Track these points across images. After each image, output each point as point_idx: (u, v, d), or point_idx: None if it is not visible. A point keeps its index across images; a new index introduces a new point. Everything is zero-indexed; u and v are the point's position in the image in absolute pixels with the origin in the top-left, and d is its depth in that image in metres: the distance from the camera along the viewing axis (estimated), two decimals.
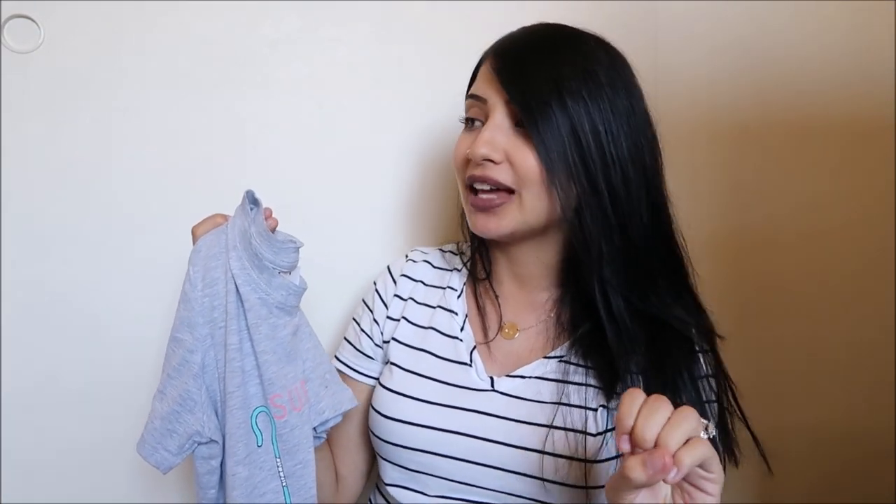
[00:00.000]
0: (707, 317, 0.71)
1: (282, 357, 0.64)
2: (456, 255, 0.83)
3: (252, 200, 0.64)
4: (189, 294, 0.64)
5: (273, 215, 0.66)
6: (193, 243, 0.66)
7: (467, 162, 0.69)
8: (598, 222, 0.65)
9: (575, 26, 0.71)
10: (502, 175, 0.66)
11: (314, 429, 0.67)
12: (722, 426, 0.68)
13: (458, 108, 0.93)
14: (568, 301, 0.72)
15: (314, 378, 0.67)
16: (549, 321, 0.72)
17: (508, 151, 0.66)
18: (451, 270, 0.81)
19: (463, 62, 0.80)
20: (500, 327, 0.74)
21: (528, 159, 0.65)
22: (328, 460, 0.79)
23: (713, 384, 0.68)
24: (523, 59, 0.67)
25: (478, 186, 0.68)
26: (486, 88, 0.69)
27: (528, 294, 0.75)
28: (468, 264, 0.80)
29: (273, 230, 0.65)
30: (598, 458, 0.63)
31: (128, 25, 0.82)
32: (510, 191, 0.66)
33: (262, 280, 0.63)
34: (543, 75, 0.65)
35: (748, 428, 0.70)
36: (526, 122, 0.64)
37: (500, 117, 0.67)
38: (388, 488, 0.73)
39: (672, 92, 1.07)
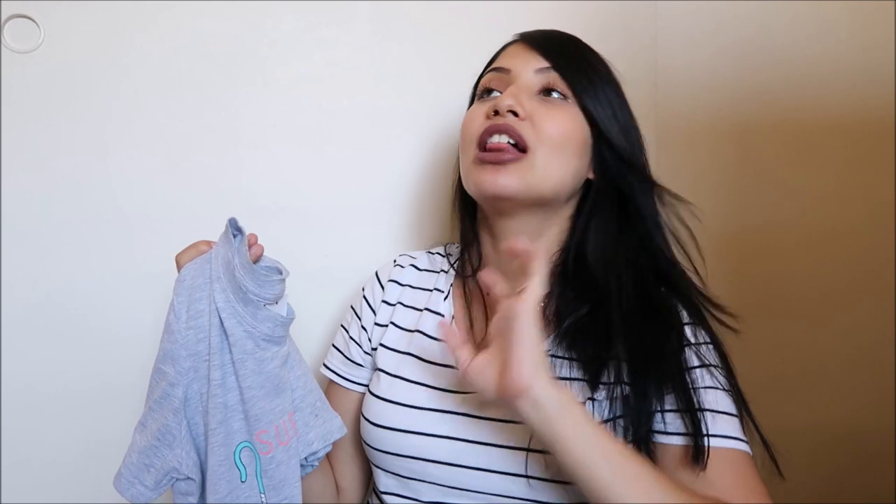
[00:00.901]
0: (703, 294, 0.73)
1: (270, 391, 0.62)
2: (443, 256, 0.82)
3: (235, 228, 0.62)
4: (173, 326, 0.62)
5: (258, 241, 0.63)
6: (178, 271, 0.64)
7: (487, 117, 0.69)
8: (632, 191, 0.69)
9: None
10: (525, 130, 0.66)
11: (305, 458, 0.66)
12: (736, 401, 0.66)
13: (459, 107, 0.93)
14: (556, 295, 0.71)
15: (304, 407, 0.66)
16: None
17: (531, 113, 0.67)
18: (438, 272, 0.80)
19: (463, 62, 0.80)
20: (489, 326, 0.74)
21: (552, 122, 0.67)
22: (328, 475, 0.78)
23: (700, 350, 0.66)
24: (558, 41, 0.71)
25: (494, 140, 0.67)
26: (512, 60, 0.71)
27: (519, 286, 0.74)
28: (456, 265, 0.79)
29: (258, 257, 0.63)
30: None
31: (128, 25, 0.82)
32: (524, 150, 0.66)
33: (248, 313, 0.61)
34: (580, 54, 0.70)
35: (757, 430, 0.67)
36: (575, 85, 0.68)
37: (525, 82, 0.69)
38: (383, 496, 0.72)
39: (672, 92, 1.07)
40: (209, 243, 0.65)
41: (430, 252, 0.85)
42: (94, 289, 0.84)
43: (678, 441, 0.62)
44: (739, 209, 1.05)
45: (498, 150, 0.66)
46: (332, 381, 0.80)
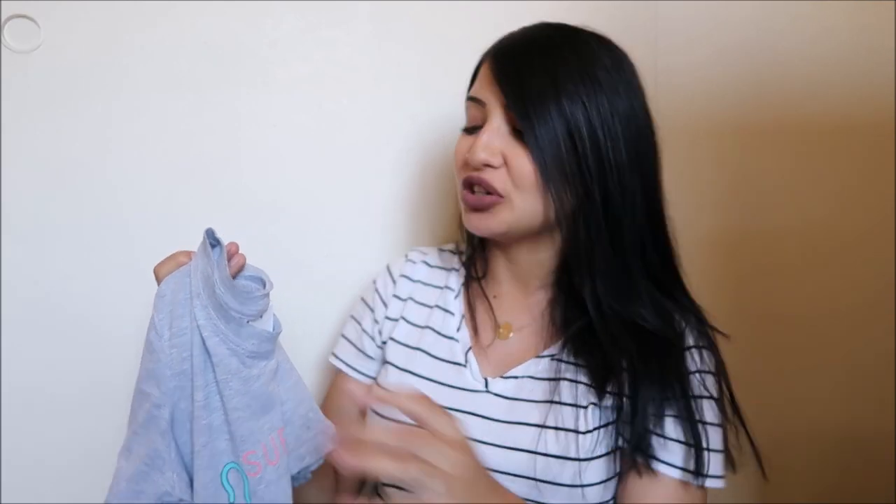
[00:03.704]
0: (702, 315, 0.71)
1: (256, 411, 0.60)
2: (455, 254, 0.83)
3: (213, 239, 0.59)
4: (155, 344, 0.58)
5: (240, 251, 0.61)
6: (157, 284, 0.61)
7: (466, 163, 0.69)
8: (591, 229, 0.66)
9: (576, 25, 0.71)
10: (498, 181, 0.66)
11: (298, 472, 0.64)
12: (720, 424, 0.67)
13: (459, 107, 0.92)
14: (562, 301, 0.72)
15: (294, 420, 0.63)
16: (543, 320, 0.72)
17: (506, 155, 0.66)
18: (450, 270, 0.81)
19: (463, 62, 0.79)
20: (496, 327, 0.74)
21: (524, 164, 0.65)
22: (330, 476, 0.78)
23: (705, 380, 0.67)
24: (521, 62, 0.67)
25: (473, 191, 0.69)
26: (484, 91, 0.69)
27: (525, 294, 0.75)
28: (466, 264, 0.80)
29: (241, 267, 0.61)
30: (590, 456, 0.63)
31: (128, 25, 0.82)
32: (502, 196, 0.67)
33: (231, 330, 0.58)
34: (541, 78, 0.65)
35: (746, 433, 0.69)
36: (523, 126, 0.64)
37: (497, 121, 0.67)
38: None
39: (672, 92, 1.07)
40: (188, 254, 0.62)
41: (441, 249, 0.85)
42: (95, 288, 0.84)
43: (673, 474, 0.64)
44: (739, 209, 1.05)
45: (480, 197, 0.68)
46: (341, 371, 0.81)
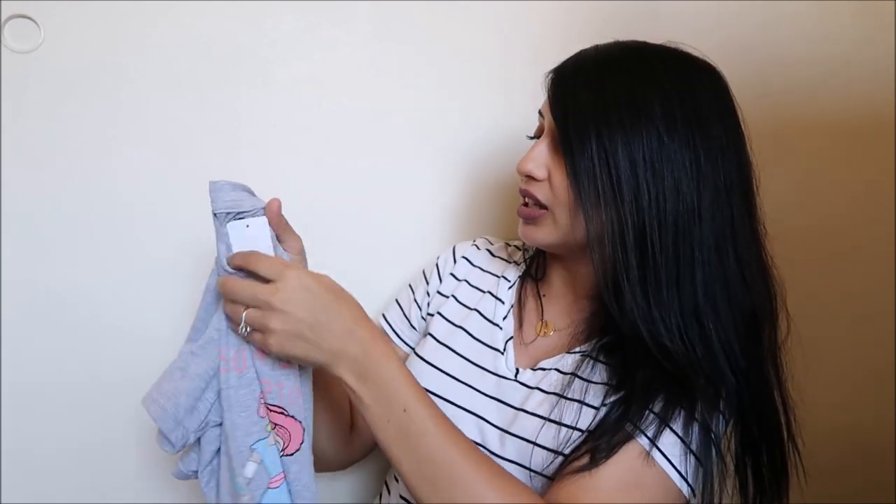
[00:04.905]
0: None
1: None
2: (519, 250, 0.85)
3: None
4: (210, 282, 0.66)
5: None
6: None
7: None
8: (618, 254, 0.64)
9: (656, 46, 0.69)
10: (540, 193, 0.69)
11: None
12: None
13: (458, 107, 0.92)
14: (604, 312, 0.71)
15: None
16: (583, 322, 0.73)
17: (550, 170, 0.68)
18: (510, 262, 0.84)
19: (463, 61, 0.80)
20: (540, 325, 0.76)
21: (562, 181, 0.67)
22: (345, 409, 0.80)
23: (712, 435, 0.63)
24: (575, 83, 0.67)
25: (528, 202, 0.72)
26: (544, 105, 0.71)
27: (573, 299, 0.76)
28: (528, 261, 0.82)
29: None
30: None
31: (128, 25, 0.82)
32: (546, 208, 0.69)
33: None
34: (587, 103, 0.65)
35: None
36: (562, 147, 0.66)
37: (548, 136, 0.70)
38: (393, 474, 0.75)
39: None
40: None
41: (508, 243, 0.88)
42: (95, 288, 0.84)
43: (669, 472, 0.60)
44: None
45: (528, 209, 0.71)
46: (384, 332, 0.84)
